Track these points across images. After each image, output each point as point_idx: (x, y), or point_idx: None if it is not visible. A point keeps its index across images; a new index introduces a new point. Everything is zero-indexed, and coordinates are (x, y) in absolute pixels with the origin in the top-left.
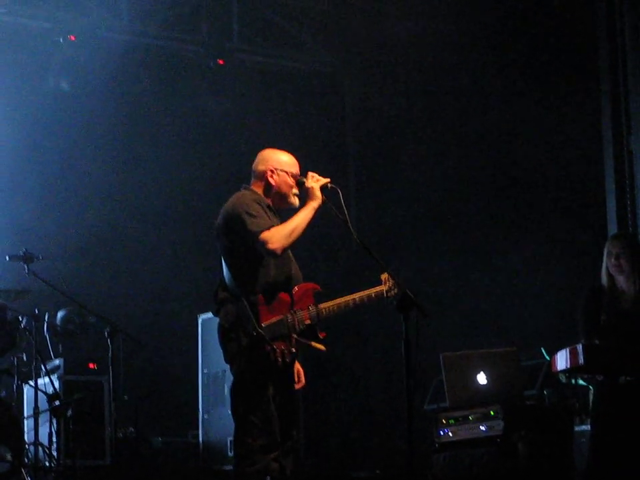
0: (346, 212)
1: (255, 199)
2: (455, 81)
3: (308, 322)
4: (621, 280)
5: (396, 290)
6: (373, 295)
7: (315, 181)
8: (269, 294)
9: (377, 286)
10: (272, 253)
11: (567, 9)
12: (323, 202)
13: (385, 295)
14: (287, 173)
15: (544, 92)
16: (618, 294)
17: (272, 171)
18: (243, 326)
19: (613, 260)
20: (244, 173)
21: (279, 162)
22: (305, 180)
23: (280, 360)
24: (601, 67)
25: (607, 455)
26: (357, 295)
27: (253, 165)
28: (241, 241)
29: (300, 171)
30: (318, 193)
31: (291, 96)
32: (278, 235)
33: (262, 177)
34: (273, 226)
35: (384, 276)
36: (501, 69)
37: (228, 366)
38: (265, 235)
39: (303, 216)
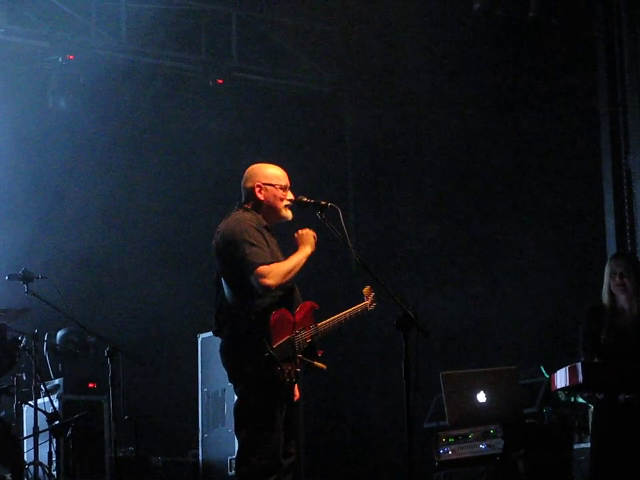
0: (345, 231)
1: (253, 224)
2: (454, 99)
3: (309, 341)
4: (622, 299)
5: (376, 304)
6: (359, 310)
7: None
8: (276, 314)
9: (361, 302)
10: (265, 287)
11: (566, 28)
12: (323, 221)
13: (367, 308)
14: (274, 186)
15: (542, 111)
16: (619, 313)
17: (259, 187)
18: (250, 346)
19: (617, 279)
20: (240, 192)
21: (266, 176)
22: (304, 200)
23: (288, 380)
24: (599, 86)
25: (607, 473)
26: (347, 312)
27: (242, 183)
28: (238, 267)
29: (290, 183)
30: (312, 240)
31: (289, 115)
32: (276, 271)
33: (251, 193)
34: (272, 262)
35: (365, 290)
36: (500, 88)
37: (228, 385)
38: (263, 269)
39: (298, 259)
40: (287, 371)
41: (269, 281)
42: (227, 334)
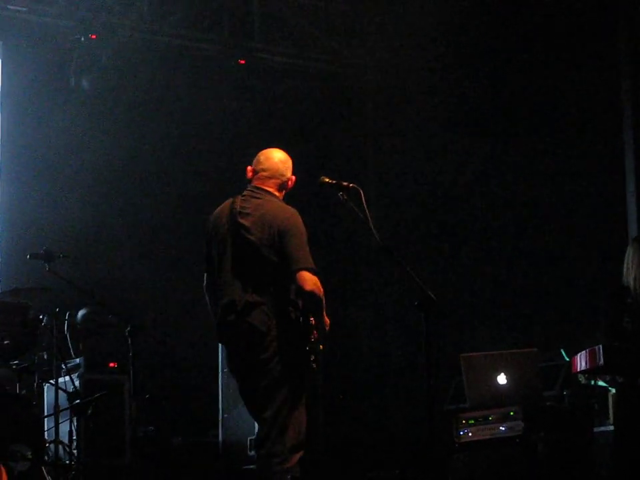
0: (367, 212)
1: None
2: (476, 79)
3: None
4: None
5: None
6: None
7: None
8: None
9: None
10: (306, 292)
11: (589, 22)
12: (344, 202)
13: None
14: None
15: (565, 93)
16: None
17: (292, 181)
18: (286, 335)
19: None
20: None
21: (291, 168)
22: (326, 180)
23: (315, 368)
24: (621, 67)
25: (631, 456)
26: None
27: (278, 167)
28: (282, 259)
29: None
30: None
31: (311, 96)
32: (318, 284)
33: (285, 185)
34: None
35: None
36: (522, 70)
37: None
38: (311, 275)
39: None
40: (316, 363)
41: (310, 287)
42: (256, 318)
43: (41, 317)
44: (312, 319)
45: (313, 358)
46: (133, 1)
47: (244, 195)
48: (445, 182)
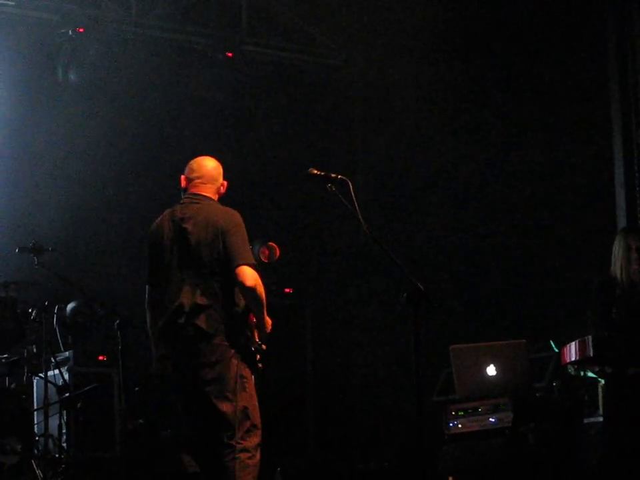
0: (356, 203)
1: None
2: (463, 71)
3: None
4: (635, 273)
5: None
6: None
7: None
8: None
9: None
10: (247, 288)
11: (577, 9)
12: (333, 194)
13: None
14: None
15: (553, 86)
16: (631, 287)
17: (224, 187)
18: (233, 336)
19: (634, 254)
20: (250, 167)
21: (222, 175)
22: (314, 172)
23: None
24: (610, 60)
25: (620, 447)
26: None
27: (212, 173)
28: (225, 256)
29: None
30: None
31: (299, 89)
32: (259, 280)
33: (218, 190)
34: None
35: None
36: (508, 62)
37: None
38: (252, 271)
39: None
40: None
41: (252, 283)
42: (204, 320)
43: (30, 310)
44: (252, 317)
45: (258, 358)
46: None
47: (182, 203)
48: (434, 173)
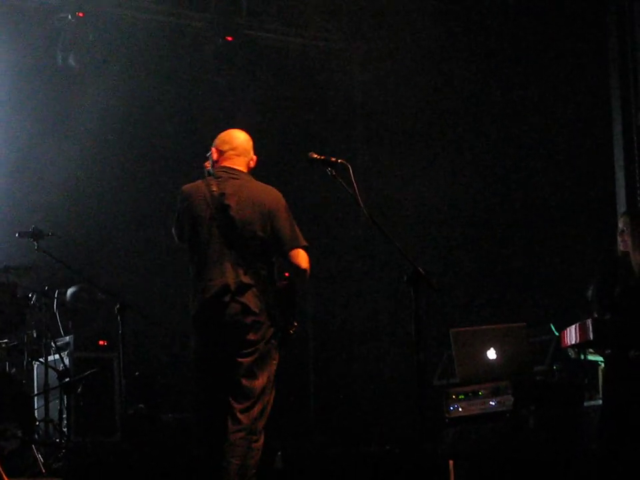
0: (356, 187)
1: None
2: (464, 61)
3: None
4: (631, 254)
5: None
6: None
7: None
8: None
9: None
10: (302, 270)
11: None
12: (333, 178)
13: None
14: None
15: (552, 72)
16: (631, 267)
17: (254, 161)
18: (274, 317)
19: (618, 236)
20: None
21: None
22: (314, 156)
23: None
24: (609, 43)
25: (618, 430)
26: None
27: (245, 145)
28: (274, 238)
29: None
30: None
31: (299, 73)
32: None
33: (249, 164)
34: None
35: None
36: (508, 52)
37: None
38: (306, 254)
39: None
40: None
41: (308, 266)
42: (249, 298)
43: (30, 295)
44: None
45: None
46: None
47: (219, 177)
48: (435, 158)
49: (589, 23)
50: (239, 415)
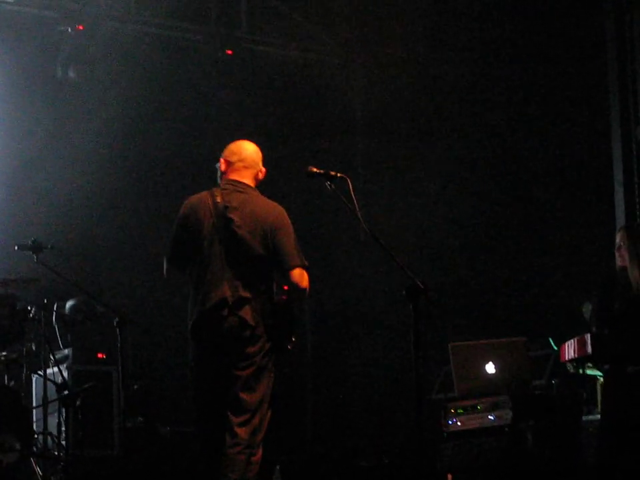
0: (355, 201)
1: None
2: (461, 74)
3: None
4: (629, 269)
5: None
6: None
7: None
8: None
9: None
10: (301, 289)
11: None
12: (332, 192)
13: None
14: None
15: (552, 85)
16: (629, 282)
17: (263, 173)
18: (272, 332)
19: (616, 252)
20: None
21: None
22: (314, 170)
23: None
24: (609, 59)
25: (616, 444)
26: None
27: (253, 157)
28: (275, 256)
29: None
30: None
31: (299, 86)
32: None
33: (256, 176)
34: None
35: None
36: (507, 61)
37: None
38: (306, 273)
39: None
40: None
41: (307, 286)
42: (248, 311)
43: (29, 307)
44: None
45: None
46: None
47: (224, 189)
48: (433, 171)
49: (587, 36)
50: (236, 429)
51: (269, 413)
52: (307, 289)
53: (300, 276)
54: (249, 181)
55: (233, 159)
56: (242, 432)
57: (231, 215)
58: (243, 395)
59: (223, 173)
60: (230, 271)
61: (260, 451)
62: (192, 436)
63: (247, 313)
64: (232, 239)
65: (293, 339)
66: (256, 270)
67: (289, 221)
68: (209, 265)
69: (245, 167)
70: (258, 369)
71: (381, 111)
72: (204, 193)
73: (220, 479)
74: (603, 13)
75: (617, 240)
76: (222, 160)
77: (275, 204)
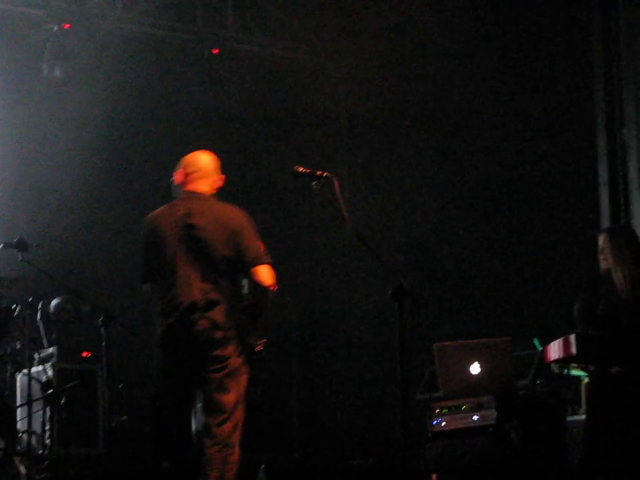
0: (341, 201)
1: None
2: (448, 71)
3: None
4: (612, 272)
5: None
6: None
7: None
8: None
9: None
10: (267, 286)
11: (563, 3)
12: (317, 192)
13: None
14: None
15: (537, 86)
16: (613, 284)
17: (222, 180)
18: (243, 333)
19: (599, 254)
20: (238, 163)
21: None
22: (299, 170)
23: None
24: (594, 59)
25: (601, 446)
26: None
27: (208, 167)
28: (239, 256)
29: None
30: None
31: (284, 86)
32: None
33: (214, 184)
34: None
35: None
36: (492, 61)
37: None
38: (272, 270)
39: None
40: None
41: (274, 282)
42: (218, 314)
43: (13, 306)
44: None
45: (264, 354)
46: None
47: (183, 199)
48: (418, 170)
49: (573, 37)
50: (214, 430)
51: (243, 414)
52: (273, 286)
53: (265, 273)
54: (207, 190)
55: (189, 170)
56: (219, 432)
57: (193, 221)
58: (218, 397)
59: (180, 185)
60: (198, 275)
61: (237, 451)
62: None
63: (217, 315)
64: (196, 244)
65: (264, 340)
66: (223, 273)
67: (250, 221)
68: (175, 273)
69: (201, 177)
70: (231, 371)
71: (366, 111)
72: (163, 207)
73: (200, 477)
74: (589, 14)
75: (600, 243)
76: (177, 172)
77: (234, 207)
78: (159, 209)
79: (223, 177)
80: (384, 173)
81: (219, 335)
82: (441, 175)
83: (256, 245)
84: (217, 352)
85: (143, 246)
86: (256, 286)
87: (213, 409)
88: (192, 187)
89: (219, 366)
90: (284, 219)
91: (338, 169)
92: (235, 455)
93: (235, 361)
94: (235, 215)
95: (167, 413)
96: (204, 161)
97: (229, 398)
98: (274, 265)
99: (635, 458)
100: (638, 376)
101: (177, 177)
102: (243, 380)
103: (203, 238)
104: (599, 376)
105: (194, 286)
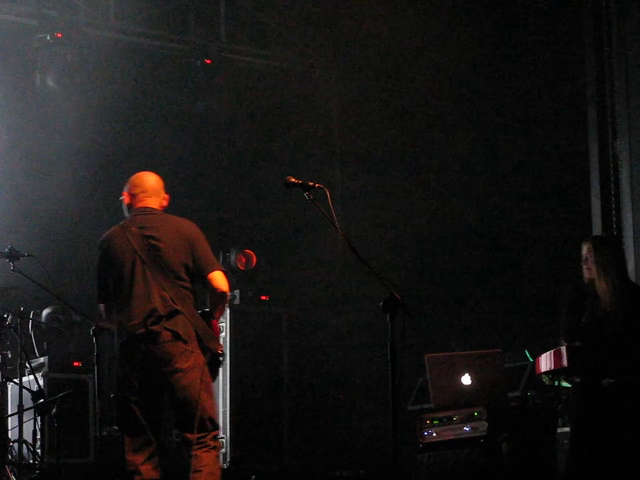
0: (333, 212)
1: None
2: (443, 80)
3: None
4: (596, 282)
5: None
6: None
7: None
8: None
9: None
10: (222, 292)
11: (556, 15)
12: (310, 202)
13: None
14: None
15: (530, 98)
16: (597, 295)
17: (167, 200)
18: (204, 343)
19: (583, 264)
20: (227, 175)
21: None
22: (292, 180)
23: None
24: (586, 70)
25: (588, 457)
26: None
27: (155, 187)
28: (196, 264)
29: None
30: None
31: (277, 96)
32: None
33: (161, 203)
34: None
35: None
36: (486, 74)
37: None
38: (225, 276)
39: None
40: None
41: (227, 288)
42: (180, 324)
43: (5, 315)
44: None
45: (221, 359)
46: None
47: (135, 216)
48: (411, 181)
49: (565, 49)
50: (189, 436)
51: (215, 410)
52: (227, 292)
53: (221, 279)
54: (156, 206)
55: (136, 191)
56: (203, 439)
57: (149, 233)
58: (194, 412)
59: (129, 206)
60: (157, 286)
61: (218, 444)
62: (167, 444)
63: (178, 326)
64: (153, 255)
65: (220, 346)
66: (183, 283)
67: (201, 232)
68: (133, 287)
69: (148, 197)
70: (196, 385)
71: (359, 120)
72: (114, 227)
73: (191, 475)
74: (581, 25)
75: (583, 252)
76: (125, 193)
77: (185, 219)
78: (111, 230)
79: (167, 196)
80: (376, 184)
81: (180, 348)
82: (433, 186)
83: (210, 253)
84: (180, 365)
85: (98, 268)
86: (213, 292)
87: (187, 426)
88: (142, 204)
89: (183, 380)
90: (273, 229)
91: (330, 179)
92: (218, 447)
93: (199, 373)
94: (188, 225)
95: (133, 416)
96: (150, 181)
97: (200, 412)
98: (263, 274)
99: (621, 468)
100: (627, 387)
101: (126, 198)
102: (210, 391)
103: (161, 247)
104: (589, 388)
105: (154, 295)
